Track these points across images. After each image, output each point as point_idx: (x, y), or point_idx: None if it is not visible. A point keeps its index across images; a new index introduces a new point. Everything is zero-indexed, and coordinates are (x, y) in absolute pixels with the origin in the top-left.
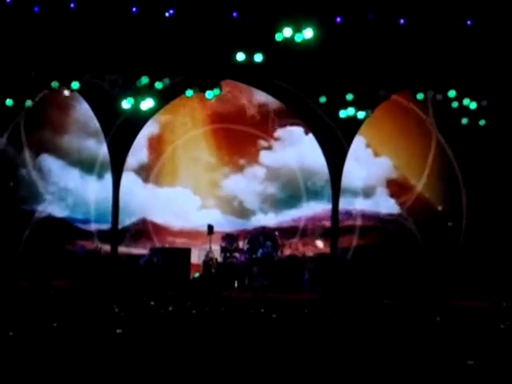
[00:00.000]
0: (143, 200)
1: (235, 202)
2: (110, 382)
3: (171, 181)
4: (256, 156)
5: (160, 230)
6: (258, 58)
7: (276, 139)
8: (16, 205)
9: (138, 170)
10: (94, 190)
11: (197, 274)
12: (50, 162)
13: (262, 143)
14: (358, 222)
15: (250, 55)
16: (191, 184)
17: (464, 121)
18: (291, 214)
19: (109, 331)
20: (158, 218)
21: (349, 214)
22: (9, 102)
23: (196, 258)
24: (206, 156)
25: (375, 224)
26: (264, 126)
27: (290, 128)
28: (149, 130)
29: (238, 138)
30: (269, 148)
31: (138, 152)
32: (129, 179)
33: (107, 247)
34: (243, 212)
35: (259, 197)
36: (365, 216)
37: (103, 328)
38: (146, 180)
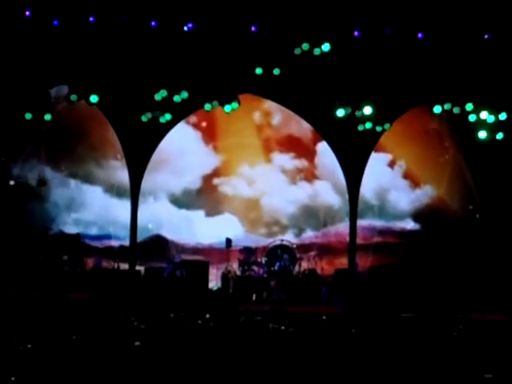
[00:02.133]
0: (161, 217)
1: (263, 222)
2: None
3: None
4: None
5: (175, 246)
6: (276, 71)
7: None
8: (34, 222)
9: (180, 195)
10: (114, 206)
11: (215, 287)
12: (70, 180)
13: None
14: (381, 239)
15: (268, 69)
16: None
17: (481, 134)
18: (315, 233)
19: (127, 344)
20: (173, 234)
21: (373, 231)
22: (28, 115)
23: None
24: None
25: (400, 241)
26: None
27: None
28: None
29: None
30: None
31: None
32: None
33: (120, 263)
34: (269, 231)
35: (287, 218)
36: (388, 233)
37: (122, 340)
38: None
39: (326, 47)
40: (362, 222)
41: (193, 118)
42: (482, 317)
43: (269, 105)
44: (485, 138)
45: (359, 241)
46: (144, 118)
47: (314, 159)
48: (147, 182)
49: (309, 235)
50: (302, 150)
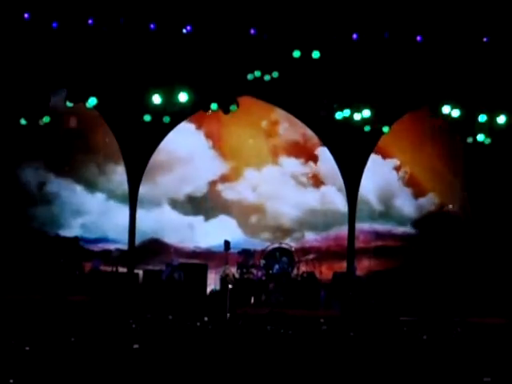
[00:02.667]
0: (161, 221)
1: (266, 226)
2: None
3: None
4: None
5: (173, 249)
6: (275, 74)
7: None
8: (34, 225)
9: (186, 200)
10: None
11: (214, 289)
12: (70, 184)
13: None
14: (381, 243)
15: (266, 72)
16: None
17: (480, 137)
18: (315, 237)
19: (126, 346)
20: (172, 238)
21: (374, 235)
22: (22, 121)
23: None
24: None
25: (400, 244)
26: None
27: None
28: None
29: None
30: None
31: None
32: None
33: (118, 266)
34: (273, 236)
35: (291, 222)
36: (389, 236)
37: (120, 343)
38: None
39: (320, 52)
40: (363, 226)
41: (199, 123)
42: (480, 320)
43: (277, 113)
44: (483, 141)
45: (360, 244)
46: (147, 118)
47: (319, 163)
48: (150, 186)
49: (309, 239)
50: (308, 154)
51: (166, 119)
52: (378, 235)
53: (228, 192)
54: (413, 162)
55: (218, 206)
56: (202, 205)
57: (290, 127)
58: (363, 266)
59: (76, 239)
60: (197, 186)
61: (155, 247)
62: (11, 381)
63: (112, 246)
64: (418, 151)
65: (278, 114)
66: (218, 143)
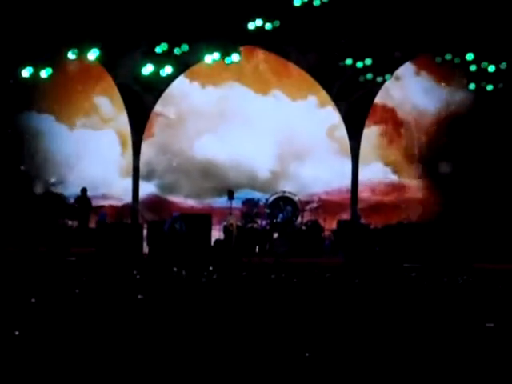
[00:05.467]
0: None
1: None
2: (132, 348)
3: None
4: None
5: (171, 206)
6: (276, 23)
7: None
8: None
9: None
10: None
11: (218, 239)
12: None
13: None
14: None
15: (268, 21)
16: None
17: (487, 86)
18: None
19: (130, 297)
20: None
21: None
22: (28, 70)
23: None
24: None
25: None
26: None
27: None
28: None
29: None
30: None
31: None
32: None
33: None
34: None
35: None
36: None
37: (124, 294)
38: None
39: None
40: (377, 178)
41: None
42: (486, 266)
43: None
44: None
45: (375, 196)
46: (145, 72)
47: None
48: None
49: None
50: None
51: (168, 69)
52: (394, 188)
53: None
54: None
55: None
56: None
57: None
58: (378, 218)
59: (84, 190)
60: None
61: (158, 202)
62: (16, 333)
63: (116, 202)
64: None
65: None
66: None
